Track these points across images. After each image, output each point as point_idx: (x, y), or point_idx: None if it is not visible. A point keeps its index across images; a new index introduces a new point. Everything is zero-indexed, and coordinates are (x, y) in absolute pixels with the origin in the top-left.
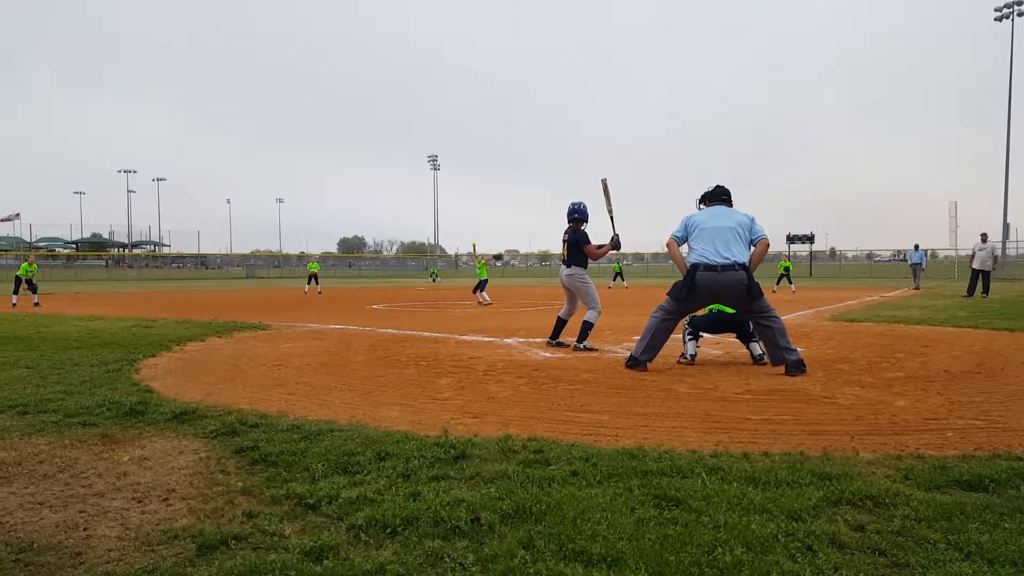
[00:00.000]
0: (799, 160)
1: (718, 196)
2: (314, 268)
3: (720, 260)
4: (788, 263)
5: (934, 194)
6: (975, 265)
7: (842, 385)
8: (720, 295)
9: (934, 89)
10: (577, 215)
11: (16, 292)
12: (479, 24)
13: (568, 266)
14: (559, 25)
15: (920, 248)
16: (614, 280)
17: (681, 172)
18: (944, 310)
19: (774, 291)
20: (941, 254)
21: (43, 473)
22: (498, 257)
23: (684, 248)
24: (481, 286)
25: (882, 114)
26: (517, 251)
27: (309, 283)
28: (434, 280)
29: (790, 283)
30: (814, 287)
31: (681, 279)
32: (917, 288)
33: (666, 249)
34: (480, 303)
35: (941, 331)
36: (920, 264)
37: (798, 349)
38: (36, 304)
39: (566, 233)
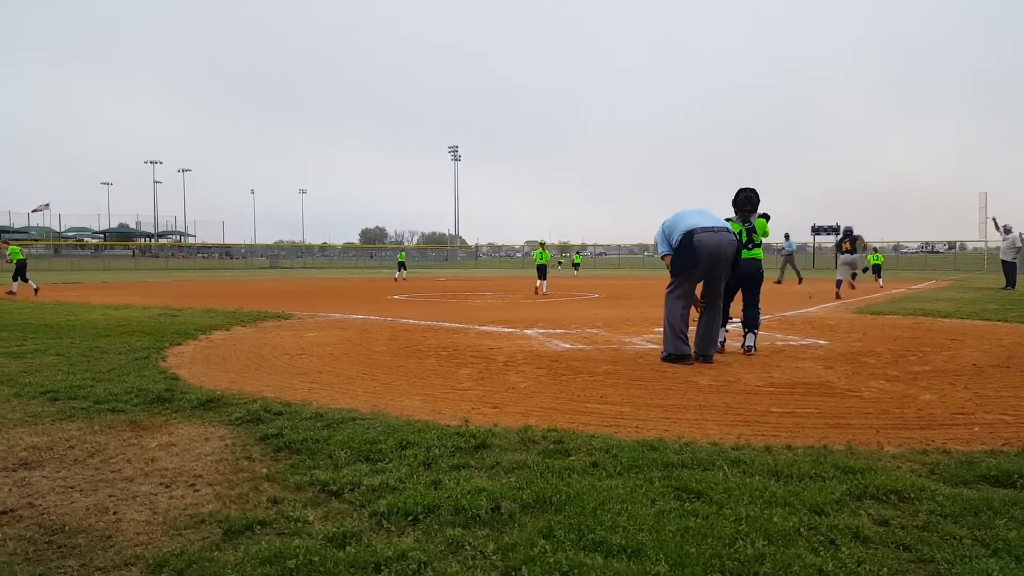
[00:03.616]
0: (825, 150)
1: (739, 206)
2: (401, 257)
3: (715, 224)
4: (878, 255)
5: (964, 185)
6: (1002, 257)
7: (867, 378)
8: (719, 257)
9: (966, 76)
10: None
11: (22, 280)
12: (499, 12)
13: None
14: (576, 9)
15: (790, 237)
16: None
17: (701, 160)
18: (973, 303)
19: (880, 285)
20: (970, 246)
21: (74, 458)
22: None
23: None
24: (541, 272)
25: (912, 103)
26: (537, 242)
27: (400, 270)
28: (560, 267)
29: (878, 276)
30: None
31: (677, 254)
32: (780, 281)
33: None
34: (537, 291)
35: (969, 324)
36: (792, 255)
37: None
38: (21, 290)
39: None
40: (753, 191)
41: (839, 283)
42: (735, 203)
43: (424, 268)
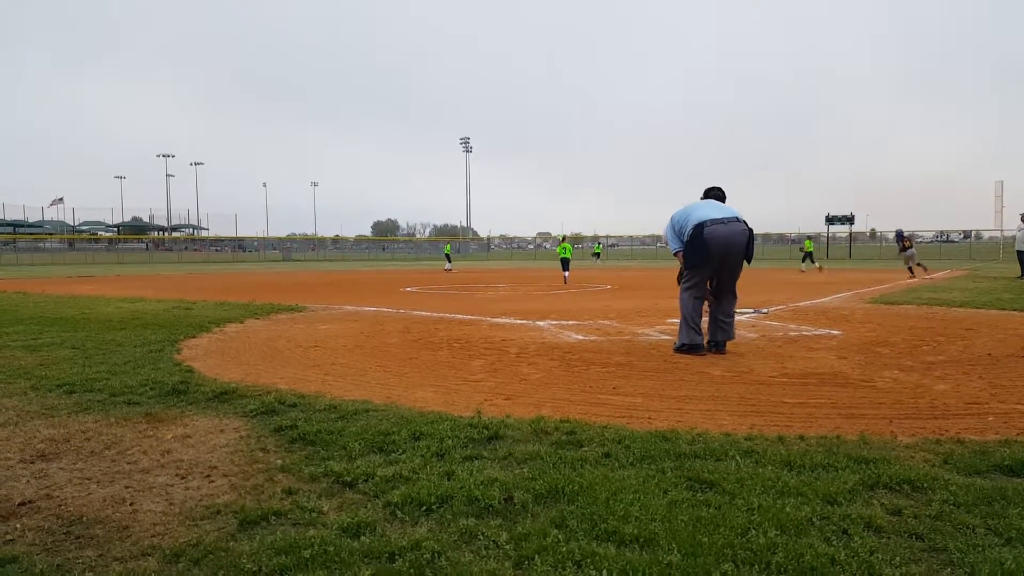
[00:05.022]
0: (839, 139)
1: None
2: (447, 250)
3: (725, 215)
4: (809, 242)
5: (979, 174)
6: (1017, 247)
7: (881, 369)
8: (729, 249)
9: (980, 64)
10: None
11: None
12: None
13: None
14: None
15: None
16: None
17: (711, 151)
18: (988, 292)
19: (802, 271)
20: (986, 235)
21: (90, 450)
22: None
23: None
24: (564, 265)
25: (925, 92)
26: (549, 234)
27: (449, 262)
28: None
29: (813, 262)
30: (854, 268)
31: (689, 248)
32: None
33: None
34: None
35: (984, 314)
36: None
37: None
38: None
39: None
40: (720, 189)
41: (923, 268)
42: None
43: (437, 260)
